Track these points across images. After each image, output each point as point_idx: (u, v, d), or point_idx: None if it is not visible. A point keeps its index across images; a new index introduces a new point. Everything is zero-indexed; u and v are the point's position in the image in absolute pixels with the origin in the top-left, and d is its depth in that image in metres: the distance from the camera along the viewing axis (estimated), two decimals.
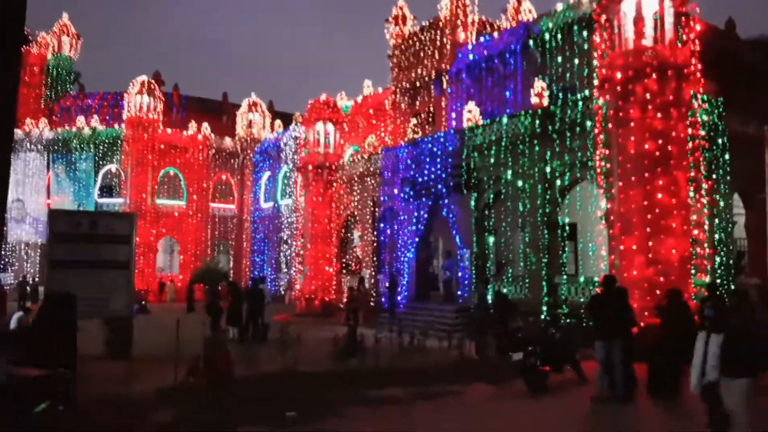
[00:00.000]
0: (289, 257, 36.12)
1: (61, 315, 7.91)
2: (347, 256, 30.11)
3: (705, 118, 16.32)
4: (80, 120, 39.50)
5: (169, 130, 39.36)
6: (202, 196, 40.20)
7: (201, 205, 40.08)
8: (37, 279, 34.95)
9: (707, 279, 15.46)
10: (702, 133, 15.94)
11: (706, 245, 15.70)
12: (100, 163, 38.43)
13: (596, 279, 17.27)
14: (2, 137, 8.49)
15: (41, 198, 37.69)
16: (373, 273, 26.86)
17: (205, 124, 41.16)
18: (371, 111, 32.97)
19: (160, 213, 38.06)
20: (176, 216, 39.03)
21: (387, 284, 24.35)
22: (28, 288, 30.29)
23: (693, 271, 15.01)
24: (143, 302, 28.00)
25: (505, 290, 19.27)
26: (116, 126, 38.81)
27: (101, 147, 38.43)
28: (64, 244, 10.35)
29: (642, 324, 12.20)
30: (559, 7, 23.36)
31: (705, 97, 16.42)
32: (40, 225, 36.63)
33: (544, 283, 18.82)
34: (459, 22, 28.08)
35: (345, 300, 21.78)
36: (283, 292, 35.05)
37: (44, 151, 38.40)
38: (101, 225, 10.55)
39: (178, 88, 49.22)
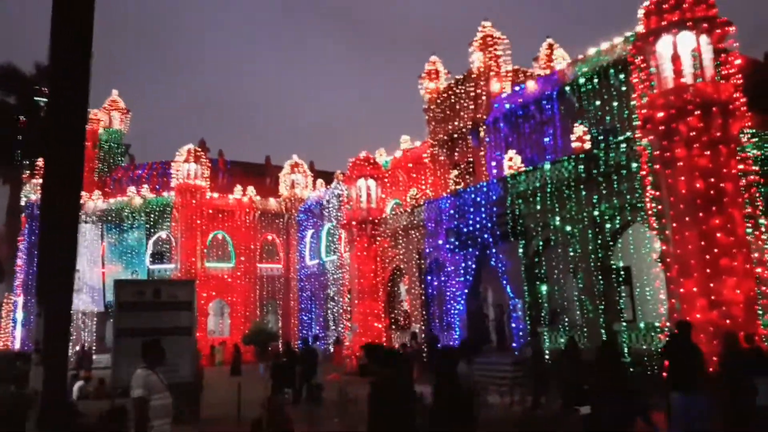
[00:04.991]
0: (336, 314, 36.15)
1: None
2: (395, 311, 29.95)
3: (756, 152, 15.95)
4: (131, 190, 41.05)
5: (215, 195, 40.54)
6: (249, 258, 40.92)
7: (249, 267, 40.75)
8: (94, 348, 35.70)
9: None
10: (755, 168, 15.56)
11: None
12: (151, 230, 39.65)
13: (657, 324, 16.75)
14: (70, 214, 8.99)
15: (96, 268, 38.83)
16: (423, 327, 26.60)
17: (251, 188, 42.27)
18: (410, 165, 33.39)
19: (210, 276, 38.79)
20: (225, 278, 39.73)
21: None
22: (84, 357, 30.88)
23: (761, 312, 14.41)
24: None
25: (561, 339, 18.80)
26: (165, 194, 40.20)
27: (152, 215, 39.73)
28: (129, 312, 10.68)
29: (710, 371, 11.67)
30: (591, 51, 23.54)
31: (754, 131, 16.10)
32: (96, 294, 37.72)
33: (602, 330, 18.32)
34: (492, 73, 28.53)
35: None
36: (332, 350, 34.92)
37: (98, 221, 39.71)
38: (164, 293, 10.87)
39: (222, 154, 51.00)
